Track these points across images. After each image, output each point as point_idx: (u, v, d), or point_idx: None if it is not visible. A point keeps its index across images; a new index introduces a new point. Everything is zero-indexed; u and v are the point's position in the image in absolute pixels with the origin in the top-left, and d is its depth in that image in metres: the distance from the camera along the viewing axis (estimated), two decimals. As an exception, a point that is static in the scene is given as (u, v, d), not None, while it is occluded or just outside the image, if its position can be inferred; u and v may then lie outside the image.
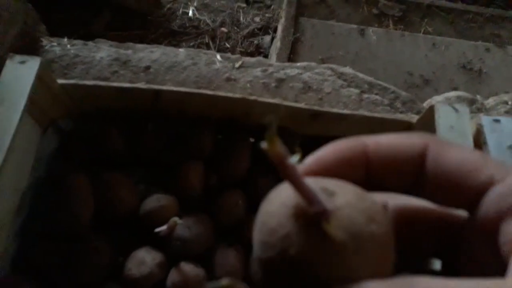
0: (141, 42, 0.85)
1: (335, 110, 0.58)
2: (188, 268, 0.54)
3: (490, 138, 0.51)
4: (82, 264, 0.53)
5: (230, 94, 0.58)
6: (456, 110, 0.52)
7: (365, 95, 0.79)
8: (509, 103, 0.83)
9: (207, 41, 1.59)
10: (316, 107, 0.58)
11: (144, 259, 0.54)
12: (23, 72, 0.51)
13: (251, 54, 1.53)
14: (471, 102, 0.82)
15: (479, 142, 0.52)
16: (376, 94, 0.80)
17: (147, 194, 0.58)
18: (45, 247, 0.55)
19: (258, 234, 0.19)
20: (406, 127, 0.58)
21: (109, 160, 0.61)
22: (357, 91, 0.79)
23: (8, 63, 0.51)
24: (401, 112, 0.77)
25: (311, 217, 0.16)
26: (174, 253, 0.55)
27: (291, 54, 1.24)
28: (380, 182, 0.21)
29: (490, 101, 0.84)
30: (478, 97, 0.83)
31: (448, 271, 0.23)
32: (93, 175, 0.58)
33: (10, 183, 0.50)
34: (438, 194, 0.21)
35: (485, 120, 0.52)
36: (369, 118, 0.57)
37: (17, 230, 0.55)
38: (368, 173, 0.21)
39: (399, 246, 0.20)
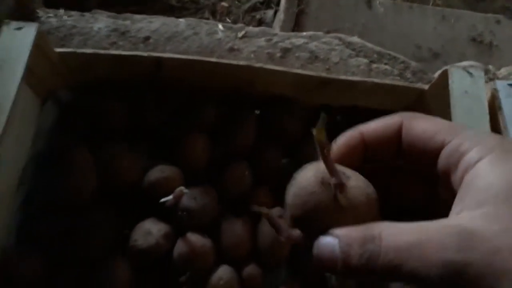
0: (139, 15, 0.83)
1: (344, 77, 0.55)
2: (195, 238, 0.53)
3: (505, 103, 0.49)
4: (86, 237, 0.52)
5: (234, 62, 0.56)
6: (471, 74, 0.50)
7: (374, 65, 0.76)
8: (522, 72, 0.80)
9: (207, 16, 1.55)
10: (324, 74, 0.56)
11: (150, 230, 0.53)
12: (20, 38, 0.49)
13: (254, 29, 1.49)
14: (484, 72, 0.79)
15: (494, 107, 0.50)
16: (386, 64, 0.77)
17: (151, 166, 0.57)
18: (50, 219, 0.54)
19: (292, 188, 0.27)
20: (417, 94, 0.56)
21: (111, 132, 0.60)
22: (366, 60, 0.76)
23: (4, 29, 0.49)
24: (411, 82, 0.75)
25: (331, 185, 0.25)
26: (180, 224, 0.54)
27: (295, 27, 1.20)
28: (374, 156, 0.29)
29: (503, 71, 0.81)
30: (490, 67, 0.81)
31: None
32: (95, 148, 0.57)
33: (11, 153, 0.49)
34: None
35: (500, 84, 0.50)
36: (380, 85, 0.55)
37: (20, 203, 0.54)
38: (366, 151, 0.29)
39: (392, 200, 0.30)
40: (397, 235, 0.22)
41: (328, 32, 1.18)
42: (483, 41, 1.27)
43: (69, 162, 0.55)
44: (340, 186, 0.25)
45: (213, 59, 0.56)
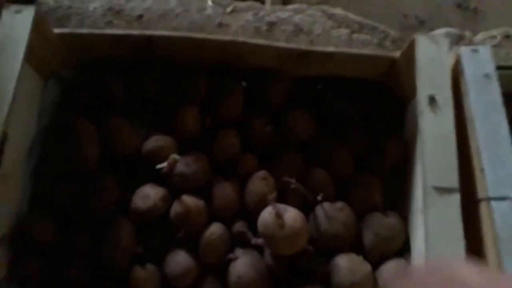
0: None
1: (321, 48, 0.60)
2: (189, 200, 0.59)
3: (468, 67, 0.53)
4: (93, 201, 0.58)
5: (219, 37, 0.60)
6: (437, 41, 0.54)
7: (355, 35, 0.80)
8: (498, 37, 0.84)
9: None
10: (303, 46, 0.60)
11: (149, 194, 0.59)
12: (20, 21, 0.53)
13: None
14: (460, 38, 0.83)
15: (457, 71, 0.54)
16: (366, 34, 0.81)
17: (148, 136, 0.62)
18: (59, 186, 0.59)
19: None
20: (390, 62, 0.60)
21: (111, 106, 0.65)
22: (347, 31, 0.80)
23: (4, 13, 0.53)
24: (390, 51, 0.79)
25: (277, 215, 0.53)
26: (175, 187, 0.60)
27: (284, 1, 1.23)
28: None
29: (479, 36, 0.85)
30: (467, 32, 0.84)
31: None
32: (97, 121, 0.62)
33: (18, 128, 0.54)
34: None
35: (463, 50, 0.55)
36: (355, 55, 0.60)
37: (31, 173, 0.60)
38: None
39: None
40: None
41: (317, 3, 1.21)
42: (469, 7, 1.30)
43: (74, 134, 0.60)
44: (278, 215, 0.52)
45: (199, 35, 0.61)
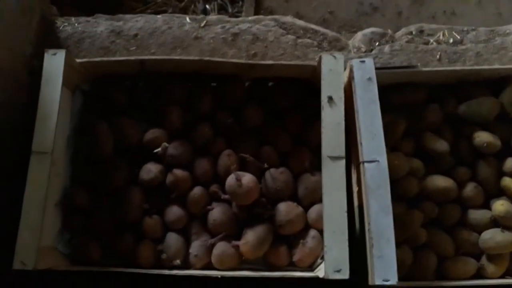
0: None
1: (263, 62, 0.85)
2: (178, 172, 0.86)
3: (357, 74, 0.78)
4: (111, 176, 0.86)
5: (191, 58, 0.86)
6: (335, 57, 0.79)
7: (300, 40, 1.05)
8: (413, 33, 1.07)
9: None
10: (250, 61, 0.86)
11: (150, 169, 0.87)
12: (56, 60, 0.80)
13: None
14: (382, 35, 1.06)
15: (350, 77, 0.79)
16: (309, 37, 1.05)
17: (146, 130, 0.89)
18: (88, 167, 0.88)
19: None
20: (312, 69, 0.85)
21: (117, 109, 0.91)
22: (293, 37, 1.05)
23: (46, 56, 0.80)
24: (326, 51, 1.04)
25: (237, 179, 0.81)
26: (168, 164, 0.87)
27: (258, -1, 1.46)
28: None
29: (399, 33, 1.08)
30: (389, 30, 1.08)
31: None
32: (109, 120, 0.89)
33: (61, 130, 0.82)
34: None
35: (354, 62, 0.79)
36: (286, 65, 0.85)
37: (69, 160, 0.88)
38: None
39: None
40: None
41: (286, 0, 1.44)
42: (416, -9, 1.51)
43: (93, 131, 0.87)
44: (237, 179, 0.74)
45: (177, 57, 0.86)
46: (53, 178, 0.79)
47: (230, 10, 1.56)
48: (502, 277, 0.82)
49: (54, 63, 0.80)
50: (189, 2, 1.61)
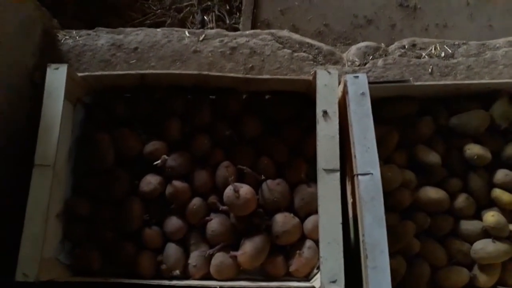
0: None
1: (259, 76, 0.87)
2: (177, 183, 0.88)
3: (351, 89, 0.80)
4: (113, 187, 0.88)
5: (189, 72, 0.88)
6: (329, 73, 0.82)
7: (295, 54, 1.07)
8: (406, 46, 1.10)
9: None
10: (247, 76, 0.88)
11: (150, 181, 0.89)
12: (58, 75, 0.82)
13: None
14: (376, 49, 1.09)
15: (344, 91, 0.81)
16: (304, 51, 1.08)
17: (147, 141, 0.91)
18: (89, 178, 0.90)
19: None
20: (307, 83, 0.87)
21: (118, 121, 0.93)
22: (289, 51, 1.07)
23: (48, 70, 0.82)
24: (321, 64, 1.06)
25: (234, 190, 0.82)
26: (168, 176, 0.89)
27: (255, 9, 1.48)
28: None
29: (392, 47, 1.11)
30: (382, 44, 1.10)
31: None
32: (110, 132, 0.91)
33: (63, 142, 0.84)
34: None
35: (348, 77, 0.81)
36: (281, 79, 0.88)
37: (71, 171, 0.90)
38: None
39: None
40: None
41: (281, 11, 1.47)
42: (409, 5, 1.54)
43: (95, 143, 0.89)
44: (235, 190, 0.76)
45: (176, 71, 0.89)
46: (55, 189, 0.81)
47: (228, 21, 1.58)
48: (494, 286, 0.85)
49: (56, 77, 0.82)
50: (188, 13, 1.64)
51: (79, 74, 0.88)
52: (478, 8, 1.57)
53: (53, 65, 0.83)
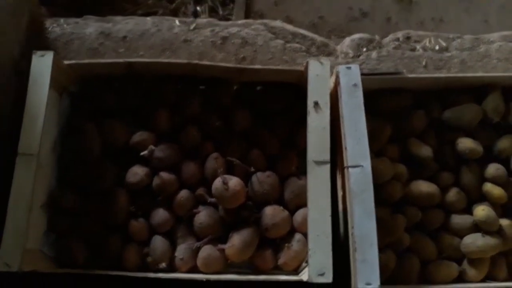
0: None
1: (250, 66, 0.86)
2: (165, 175, 0.86)
3: (343, 80, 0.79)
4: (99, 178, 0.86)
5: (179, 61, 0.86)
6: (321, 63, 0.80)
7: (288, 44, 1.05)
8: (400, 39, 1.09)
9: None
10: (238, 66, 0.86)
11: (137, 172, 0.87)
12: (44, 62, 0.80)
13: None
14: (370, 41, 1.08)
15: (336, 82, 0.80)
16: (297, 42, 1.06)
17: (134, 132, 0.89)
18: (75, 169, 0.88)
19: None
20: (299, 74, 0.86)
21: (105, 111, 0.91)
22: (282, 41, 1.06)
23: (34, 57, 0.80)
24: (314, 55, 1.05)
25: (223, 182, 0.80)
26: (155, 167, 0.88)
27: (248, 0, 1.46)
28: None
29: (386, 39, 1.10)
30: (376, 36, 1.09)
31: None
32: (97, 122, 0.89)
33: (48, 131, 0.82)
34: None
35: (341, 68, 0.80)
36: (273, 70, 0.86)
37: (56, 161, 0.88)
38: None
39: None
40: None
41: (275, 3, 1.45)
42: (405, -1, 1.53)
43: (81, 133, 0.87)
44: (224, 182, 0.74)
45: (165, 60, 0.87)
46: (39, 179, 0.79)
47: (221, 12, 1.56)
48: (483, 280, 0.84)
49: (42, 64, 0.80)
50: (180, 4, 1.61)
51: (65, 62, 0.86)
52: (474, 3, 1.56)
53: (39, 52, 0.81)
